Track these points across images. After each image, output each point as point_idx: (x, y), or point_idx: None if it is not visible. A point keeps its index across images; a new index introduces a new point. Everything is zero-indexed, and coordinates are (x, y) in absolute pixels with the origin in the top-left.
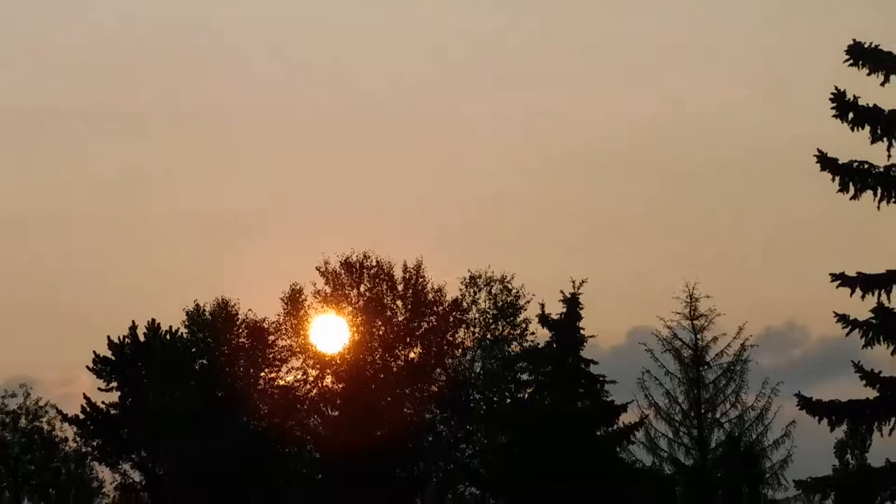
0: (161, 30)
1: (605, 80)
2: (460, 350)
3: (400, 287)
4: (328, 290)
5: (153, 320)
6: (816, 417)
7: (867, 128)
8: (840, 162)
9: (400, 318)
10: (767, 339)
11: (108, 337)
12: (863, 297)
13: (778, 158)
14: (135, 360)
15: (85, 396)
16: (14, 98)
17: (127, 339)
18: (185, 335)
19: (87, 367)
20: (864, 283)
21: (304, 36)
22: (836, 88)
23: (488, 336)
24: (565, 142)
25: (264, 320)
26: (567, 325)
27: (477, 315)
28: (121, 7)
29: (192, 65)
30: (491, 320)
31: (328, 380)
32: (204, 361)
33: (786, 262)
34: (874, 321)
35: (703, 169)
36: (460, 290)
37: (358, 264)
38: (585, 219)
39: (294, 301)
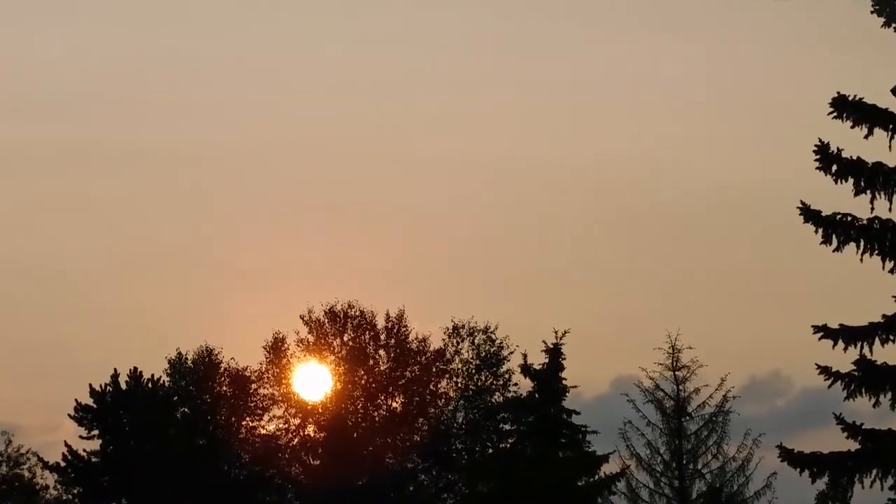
0: (133, 71)
1: (585, 123)
2: (443, 400)
3: (383, 336)
4: (311, 338)
5: (135, 368)
6: (798, 469)
7: (850, 180)
8: (823, 214)
9: (383, 368)
10: (751, 388)
11: (91, 385)
12: (845, 349)
13: (762, 209)
14: (116, 408)
15: (66, 444)
16: None
17: (109, 388)
18: (167, 383)
19: (69, 414)
20: (846, 335)
21: (287, 82)
22: (820, 140)
23: (471, 386)
24: (548, 189)
25: (246, 369)
26: (549, 376)
27: (460, 365)
28: (82, 44)
29: (173, 108)
30: (474, 371)
31: (310, 429)
32: (186, 410)
33: (770, 312)
34: (856, 373)
35: (688, 218)
36: (443, 339)
37: (342, 313)
38: (569, 268)
39: (276, 349)
